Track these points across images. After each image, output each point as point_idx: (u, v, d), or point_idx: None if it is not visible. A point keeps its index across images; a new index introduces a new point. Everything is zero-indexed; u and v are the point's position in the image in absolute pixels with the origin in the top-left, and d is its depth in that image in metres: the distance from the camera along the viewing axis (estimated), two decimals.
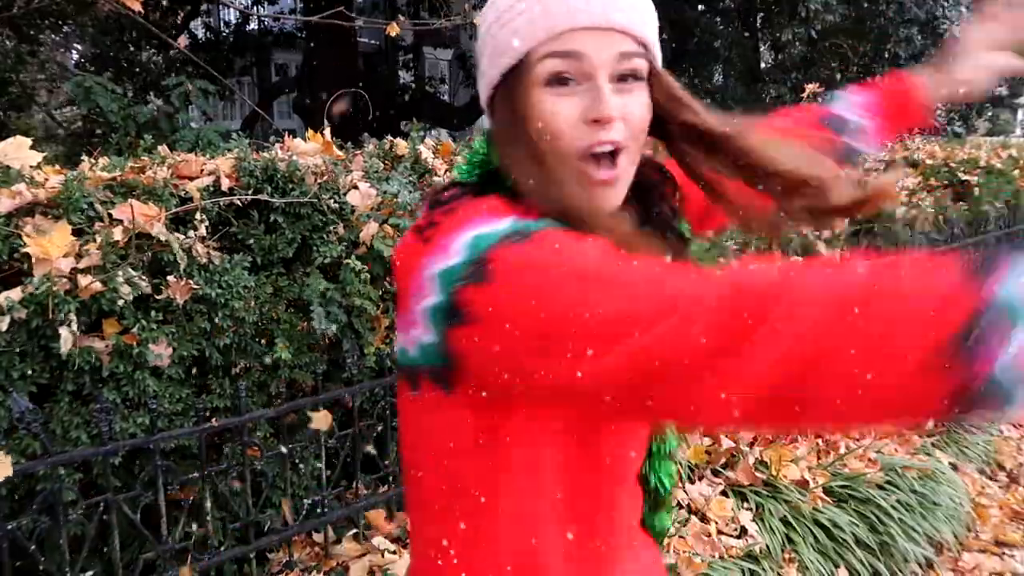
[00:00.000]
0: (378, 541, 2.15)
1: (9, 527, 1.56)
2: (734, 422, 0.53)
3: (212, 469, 1.87)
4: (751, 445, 2.67)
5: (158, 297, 1.80)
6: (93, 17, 6.84)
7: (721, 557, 2.20)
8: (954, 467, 2.99)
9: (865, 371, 0.48)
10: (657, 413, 0.60)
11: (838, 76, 9.07)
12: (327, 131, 2.35)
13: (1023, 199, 5.84)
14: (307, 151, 2.23)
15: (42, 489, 1.64)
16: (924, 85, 0.99)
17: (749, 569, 2.19)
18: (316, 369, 2.09)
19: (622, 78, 0.71)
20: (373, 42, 13.76)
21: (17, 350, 1.67)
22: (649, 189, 0.81)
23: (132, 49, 7.92)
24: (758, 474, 2.52)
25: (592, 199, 0.70)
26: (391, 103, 10.58)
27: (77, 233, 1.72)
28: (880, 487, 2.59)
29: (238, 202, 1.99)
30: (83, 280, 1.66)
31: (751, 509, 2.41)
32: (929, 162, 5.26)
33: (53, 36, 8.37)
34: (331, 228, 2.14)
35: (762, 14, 9.94)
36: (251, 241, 2.04)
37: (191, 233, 1.85)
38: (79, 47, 9.56)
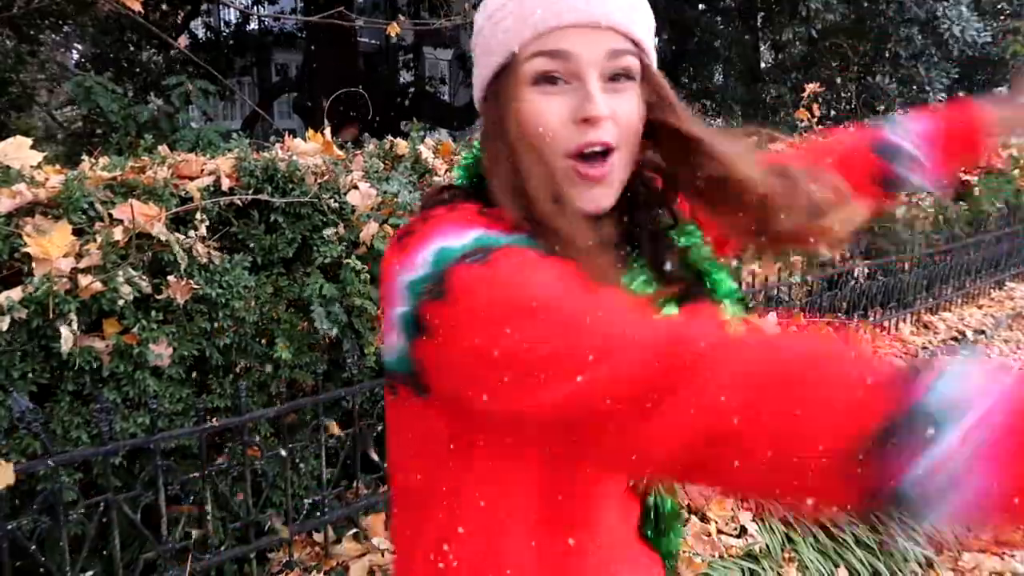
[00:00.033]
0: (378, 541, 2.15)
1: (9, 527, 1.57)
2: (653, 474, 0.54)
3: (212, 469, 1.87)
4: None
5: (158, 297, 1.80)
6: (93, 17, 6.83)
7: (721, 556, 2.20)
8: None
9: (778, 452, 0.47)
10: (582, 454, 0.60)
11: (838, 76, 9.07)
12: (327, 131, 2.35)
13: (1023, 199, 5.84)
14: (307, 151, 2.23)
15: (42, 489, 1.64)
16: (990, 117, 0.92)
17: (749, 568, 2.19)
18: (316, 369, 2.09)
19: (614, 77, 0.69)
20: (373, 42, 13.76)
21: (18, 350, 1.67)
22: (644, 194, 0.78)
23: (132, 49, 7.91)
24: None
25: (582, 198, 0.69)
26: (391, 103, 10.57)
27: (77, 233, 1.72)
28: None
29: (238, 202, 1.99)
30: (83, 280, 1.66)
31: (751, 508, 2.40)
32: None
33: (53, 36, 8.37)
34: (331, 228, 2.14)
35: (762, 14, 9.93)
36: (251, 241, 2.04)
37: (191, 233, 1.85)
38: (79, 47, 9.56)
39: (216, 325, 1.92)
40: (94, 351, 1.72)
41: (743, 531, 2.32)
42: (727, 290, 0.77)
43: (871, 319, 4.34)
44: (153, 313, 1.81)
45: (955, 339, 4.69)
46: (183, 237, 1.83)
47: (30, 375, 1.69)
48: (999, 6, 10.51)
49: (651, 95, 0.72)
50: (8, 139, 1.82)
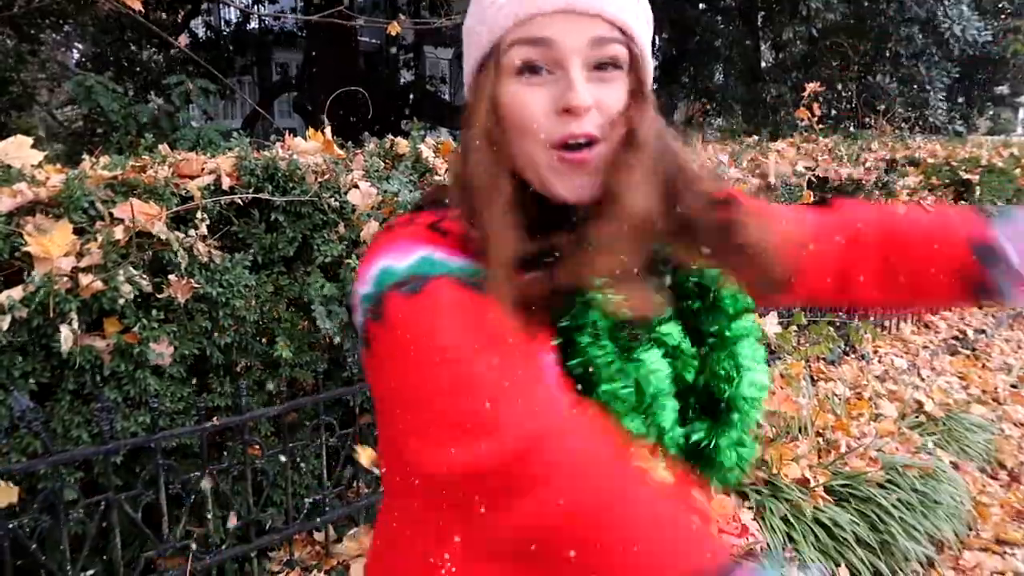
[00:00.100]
0: None
1: (10, 526, 1.57)
2: (503, 550, 0.58)
3: (213, 468, 1.87)
4: None
5: (159, 296, 1.80)
6: (94, 16, 6.84)
7: None
8: (955, 466, 2.99)
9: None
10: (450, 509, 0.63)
11: (838, 75, 9.07)
12: (327, 130, 2.35)
13: None
14: (308, 150, 2.23)
15: (43, 488, 1.64)
16: None
17: None
18: (317, 368, 2.09)
19: (600, 66, 0.66)
20: (374, 41, 13.75)
21: (18, 349, 1.67)
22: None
23: (133, 48, 7.91)
24: (759, 473, 2.52)
25: (563, 185, 0.67)
26: (392, 102, 10.57)
27: (78, 232, 1.72)
28: (881, 486, 2.58)
29: (239, 201, 1.99)
30: (84, 279, 1.66)
31: (752, 508, 2.40)
32: (931, 161, 5.25)
33: (54, 35, 8.37)
34: (332, 227, 2.14)
35: (763, 13, 9.93)
36: (252, 240, 2.04)
37: (192, 232, 1.85)
38: (80, 46, 9.56)
39: (217, 324, 1.92)
40: (95, 350, 1.72)
41: (744, 530, 2.32)
42: (735, 302, 0.75)
43: (872, 319, 4.34)
44: (154, 312, 1.81)
45: (956, 338, 4.69)
46: (184, 236, 1.83)
47: (31, 374, 1.69)
48: (1000, 5, 10.51)
49: (632, 86, 0.69)
50: (9, 138, 1.82)
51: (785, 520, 2.38)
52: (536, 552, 0.55)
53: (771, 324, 3.01)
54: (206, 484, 1.83)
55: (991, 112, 14.14)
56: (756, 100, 9.54)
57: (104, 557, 1.79)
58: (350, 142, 2.61)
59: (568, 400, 0.63)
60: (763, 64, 10.53)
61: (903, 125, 7.34)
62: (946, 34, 7.96)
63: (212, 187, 1.96)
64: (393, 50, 12.99)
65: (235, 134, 2.35)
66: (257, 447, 1.97)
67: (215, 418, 1.86)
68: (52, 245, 1.64)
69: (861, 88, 8.84)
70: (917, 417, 3.28)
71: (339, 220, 2.15)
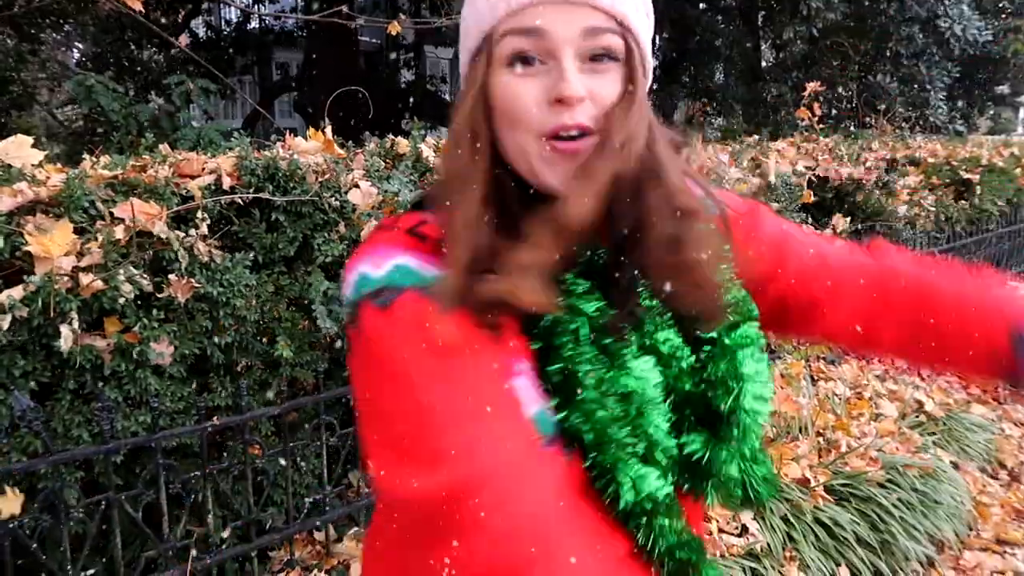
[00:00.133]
0: None
1: (11, 525, 1.57)
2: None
3: (214, 467, 1.87)
4: None
5: (159, 295, 1.80)
6: (94, 16, 6.84)
7: (722, 555, 2.20)
8: (955, 465, 2.99)
9: None
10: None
11: (839, 75, 9.06)
12: (328, 130, 2.35)
13: None
14: (308, 150, 2.23)
15: (43, 487, 1.64)
16: None
17: (750, 567, 2.19)
18: (317, 367, 2.09)
19: (595, 57, 0.65)
20: (374, 41, 13.76)
21: (18, 348, 1.67)
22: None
23: (133, 48, 7.91)
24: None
25: (554, 174, 0.66)
26: (392, 102, 10.57)
27: (78, 231, 1.72)
28: (881, 485, 2.58)
29: (239, 201, 1.99)
30: (84, 278, 1.66)
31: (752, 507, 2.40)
32: (931, 160, 5.25)
33: (54, 35, 8.37)
34: (333, 227, 2.14)
35: (763, 12, 9.93)
36: (252, 240, 2.04)
37: (192, 231, 1.85)
38: (80, 46, 9.56)
39: (217, 324, 1.92)
40: (95, 350, 1.72)
41: (744, 530, 2.32)
42: (734, 299, 0.72)
43: None
44: (154, 312, 1.81)
45: None
46: (184, 236, 1.83)
47: (31, 373, 1.69)
48: (1000, 5, 10.50)
49: (623, 79, 0.66)
50: (9, 138, 1.82)
51: (785, 520, 2.38)
52: None
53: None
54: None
55: (992, 112, 14.14)
56: (756, 100, 9.54)
57: (105, 557, 1.79)
58: (351, 142, 2.61)
59: (527, 437, 0.60)
60: (763, 64, 10.53)
61: (903, 125, 7.34)
62: (947, 34, 7.96)
63: (213, 187, 1.96)
64: (393, 56, 12.99)
65: (236, 134, 2.36)
66: (257, 447, 1.97)
67: (215, 418, 1.86)
68: (52, 244, 1.64)
69: (861, 88, 8.84)
70: (917, 417, 3.28)
71: (340, 220, 2.15)
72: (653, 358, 0.67)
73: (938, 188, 5.09)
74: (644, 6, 0.69)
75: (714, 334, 0.70)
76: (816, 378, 3.63)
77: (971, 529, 2.76)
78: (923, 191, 4.85)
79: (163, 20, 8.90)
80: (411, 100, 11.33)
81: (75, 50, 9.97)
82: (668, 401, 0.67)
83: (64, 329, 1.62)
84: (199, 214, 1.87)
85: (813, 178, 4.09)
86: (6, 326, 1.57)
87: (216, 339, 1.94)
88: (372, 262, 0.65)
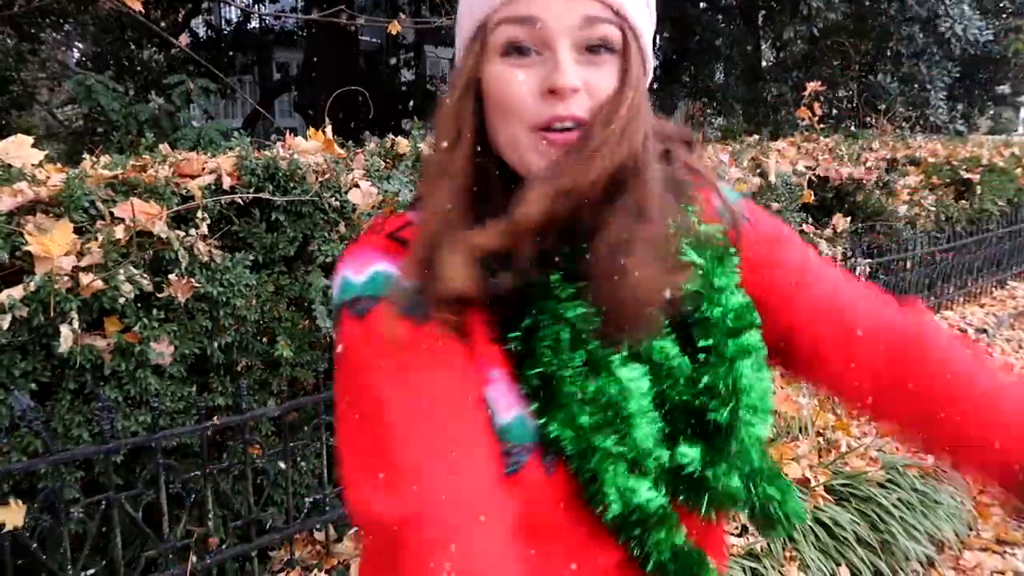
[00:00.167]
0: None
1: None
2: None
3: (214, 467, 1.87)
4: None
5: (159, 295, 1.80)
6: (94, 16, 6.84)
7: None
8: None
9: None
10: None
11: (839, 74, 9.06)
12: (328, 129, 2.35)
13: None
14: (308, 149, 2.23)
15: (44, 487, 1.64)
16: None
17: (751, 567, 2.19)
18: (317, 367, 2.09)
19: (592, 48, 0.62)
20: (374, 40, 13.75)
21: (18, 348, 1.67)
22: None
23: (133, 47, 7.91)
24: None
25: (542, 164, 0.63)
26: (392, 101, 10.57)
27: (78, 231, 1.72)
28: (881, 485, 2.59)
29: (239, 200, 1.99)
30: (84, 278, 1.66)
31: None
32: (931, 160, 5.25)
33: (54, 34, 8.37)
34: (333, 227, 2.14)
35: (764, 12, 9.92)
36: (252, 239, 2.04)
37: (192, 231, 1.85)
38: (80, 46, 9.55)
39: (217, 323, 1.92)
40: (95, 349, 1.72)
41: (744, 530, 2.32)
42: (734, 306, 0.68)
43: None
44: (154, 311, 1.81)
45: None
46: (184, 235, 1.83)
47: (31, 373, 1.69)
48: (1001, 4, 10.50)
49: (619, 71, 0.63)
50: (9, 138, 1.82)
51: None
52: None
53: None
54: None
55: (992, 111, 14.13)
56: (757, 99, 9.54)
57: (105, 557, 1.79)
58: (351, 141, 2.61)
59: (486, 467, 0.58)
60: (764, 63, 10.52)
61: (904, 124, 7.34)
62: (947, 33, 7.95)
63: (213, 186, 1.96)
64: (393, 61, 12.98)
65: (236, 133, 2.36)
66: (258, 446, 1.97)
67: (215, 417, 1.86)
68: (52, 244, 1.64)
69: (862, 87, 8.84)
70: None
71: (340, 220, 2.15)
72: (643, 366, 0.64)
73: (938, 188, 5.09)
74: None
75: (712, 342, 0.67)
76: None
77: (971, 529, 2.76)
78: (923, 191, 4.85)
79: (163, 20, 8.90)
80: (411, 100, 11.33)
81: (75, 50, 9.97)
82: (661, 410, 0.65)
83: (64, 329, 1.62)
84: (199, 214, 1.87)
85: (813, 178, 4.09)
86: (6, 326, 1.57)
87: (216, 339, 1.94)
88: (354, 267, 0.65)
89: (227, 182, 1.97)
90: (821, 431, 2.91)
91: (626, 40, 0.63)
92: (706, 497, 0.64)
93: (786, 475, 2.52)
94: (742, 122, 9.19)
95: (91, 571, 1.73)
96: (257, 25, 11.37)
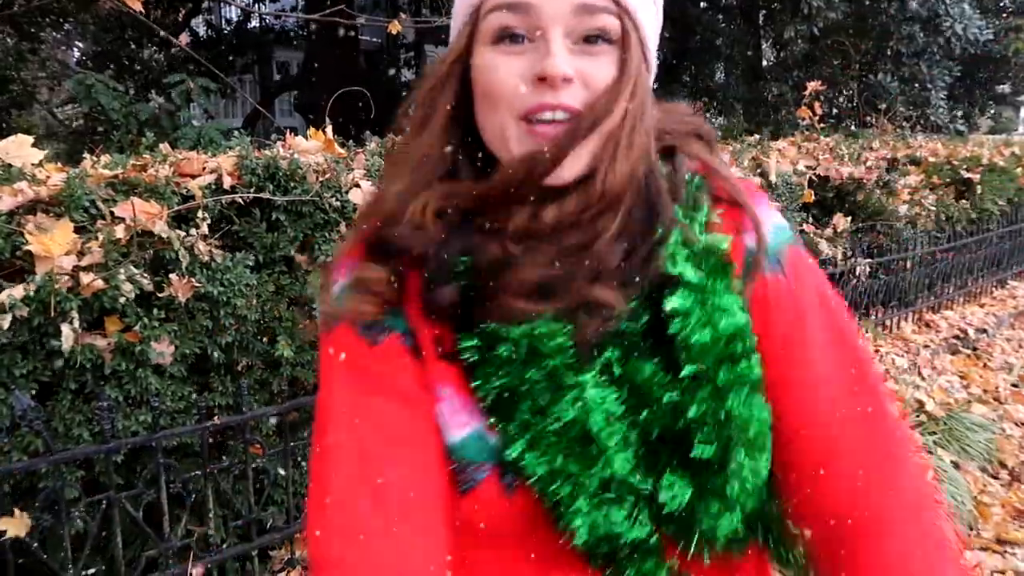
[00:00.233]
0: None
1: None
2: None
3: (214, 467, 1.87)
4: None
5: (160, 295, 1.80)
6: (94, 15, 6.84)
7: None
8: (956, 465, 2.99)
9: None
10: None
11: (840, 74, 9.06)
12: (329, 129, 2.35)
13: None
14: (309, 149, 2.23)
15: (44, 487, 1.64)
16: None
17: None
18: (318, 367, 2.08)
19: (589, 38, 0.59)
20: (375, 40, 13.75)
21: (19, 348, 1.67)
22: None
23: (133, 47, 7.91)
24: None
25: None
26: (393, 101, 10.57)
27: (79, 231, 1.72)
28: None
29: (240, 200, 1.99)
30: (85, 278, 1.66)
31: None
32: (932, 160, 5.25)
33: (54, 34, 8.37)
34: (333, 226, 2.14)
35: (764, 11, 9.92)
36: (253, 239, 2.04)
37: (193, 231, 1.85)
38: (80, 45, 9.56)
39: (218, 323, 1.92)
40: (96, 349, 1.72)
41: None
42: (728, 329, 0.61)
43: (873, 318, 4.34)
44: (155, 311, 1.81)
45: (957, 338, 4.69)
46: (185, 235, 1.83)
47: (32, 373, 1.69)
48: (1001, 4, 10.50)
49: (619, 61, 0.60)
50: (9, 137, 1.83)
51: None
52: None
53: None
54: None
55: (992, 111, 14.13)
56: (757, 99, 9.54)
57: (105, 556, 1.79)
58: (351, 141, 2.61)
59: (426, 522, 0.57)
60: (764, 63, 10.52)
61: (904, 124, 7.34)
62: (947, 33, 7.96)
63: (213, 186, 1.96)
64: (393, 69, 12.98)
65: (236, 133, 2.36)
66: (258, 446, 1.97)
67: (216, 417, 1.86)
68: (53, 244, 1.64)
69: (862, 87, 8.84)
70: (918, 416, 3.28)
71: (340, 219, 2.15)
72: (613, 388, 0.60)
73: (939, 187, 5.08)
74: None
75: (700, 368, 0.60)
76: None
77: (971, 529, 2.76)
78: (924, 190, 4.85)
79: (163, 19, 8.90)
80: None
81: (75, 49, 9.97)
82: (641, 438, 0.60)
83: (65, 328, 1.62)
84: (200, 213, 1.87)
85: (814, 177, 4.09)
86: (7, 325, 1.57)
87: (217, 339, 1.94)
88: (339, 273, 0.65)
89: (227, 182, 1.96)
90: None
91: (625, 30, 0.60)
92: (695, 536, 0.59)
93: None
94: (742, 122, 9.19)
95: (92, 571, 1.73)
96: (257, 24, 11.38)
